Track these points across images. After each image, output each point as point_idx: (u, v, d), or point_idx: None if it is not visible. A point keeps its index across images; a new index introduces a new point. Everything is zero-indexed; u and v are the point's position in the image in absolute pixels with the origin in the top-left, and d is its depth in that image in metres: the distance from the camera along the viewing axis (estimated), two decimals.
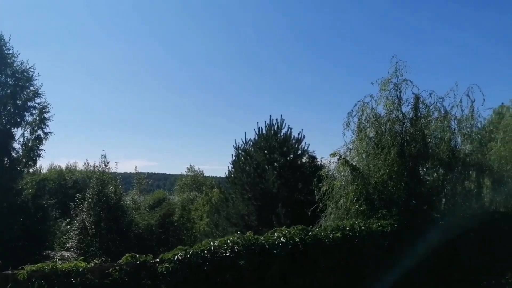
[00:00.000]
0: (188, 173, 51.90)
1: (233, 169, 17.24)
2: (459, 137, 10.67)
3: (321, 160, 16.21)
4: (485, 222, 9.04)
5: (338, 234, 7.97)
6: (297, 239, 7.52)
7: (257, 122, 17.24)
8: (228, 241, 7.08)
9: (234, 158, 17.32)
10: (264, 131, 17.19)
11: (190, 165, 52.61)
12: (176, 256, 6.52)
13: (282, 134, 17.14)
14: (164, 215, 22.44)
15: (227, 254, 6.83)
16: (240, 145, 17.34)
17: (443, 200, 10.68)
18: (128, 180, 34.72)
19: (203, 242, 7.14)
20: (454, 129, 10.69)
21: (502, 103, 13.94)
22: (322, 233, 7.96)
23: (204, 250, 6.79)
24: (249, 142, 17.23)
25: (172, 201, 30.37)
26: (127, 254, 6.27)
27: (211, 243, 6.97)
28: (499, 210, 10.03)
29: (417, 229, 8.63)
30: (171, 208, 23.85)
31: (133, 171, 35.52)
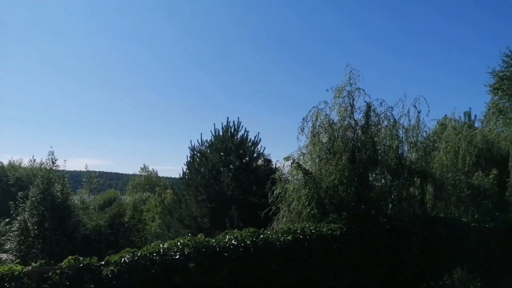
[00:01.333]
0: (141, 173, 50.57)
1: (187, 170, 16.99)
2: (406, 146, 11.19)
3: (276, 164, 16.38)
4: (426, 226, 9.51)
5: (289, 237, 8.07)
6: (248, 242, 7.52)
7: (214, 124, 17.16)
8: (178, 243, 6.95)
9: (189, 159, 17.08)
10: (220, 133, 17.12)
11: (144, 165, 51.31)
12: (123, 259, 6.29)
13: (238, 136, 17.15)
14: (114, 216, 21.71)
15: (177, 257, 6.70)
16: (195, 146, 17.15)
17: (390, 205, 11.12)
18: (78, 178, 33.28)
19: (152, 244, 6.96)
20: (402, 137, 11.20)
21: (446, 115, 14.83)
22: (274, 236, 8.02)
23: (153, 252, 6.62)
24: (205, 143, 17.09)
25: (124, 201, 29.45)
26: (69, 257, 5.96)
27: (161, 245, 6.81)
28: (440, 216, 10.59)
29: (365, 233, 8.92)
30: (121, 209, 23.12)
31: (83, 169, 34.05)
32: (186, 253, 6.84)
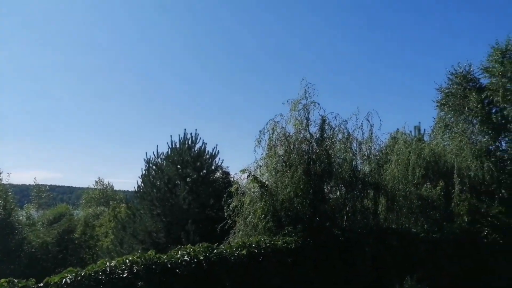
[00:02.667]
0: (96, 187, 48.60)
1: (142, 184, 16.46)
2: (360, 158, 11.47)
3: (233, 176, 16.26)
4: (379, 238, 9.73)
5: (244, 252, 7.95)
6: (201, 257, 7.32)
7: (171, 136, 16.81)
8: (127, 260, 6.62)
9: (144, 172, 16.57)
10: (177, 145, 16.78)
11: (99, 178, 49.36)
12: (64, 280, 5.88)
13: (196, 148, 16.89)
14: (63, 232, 20.57)
15: (125, 275, 6.36)
16: (151, 159, 16.68)
17: (345, 217, 11.30)
18: (26, 192, 31.37)
19: (98, 262, 6.58)
20: (356, 150, 11.48)
21: (397, 129, 15.40)
22: (228, 251, 7.86)
23: (99, 271, 6.25)
24: (161, 155, 16.67)
25: (76, 216, 28.02)
26: (2, 280, 5.48)
27: (107, 263, 6.45)
28: (391, 227, 10.88)
29: (320, 246, 8.96)
30: (72, 224, 21.94)
31: (32, 182, 32.16)
32: (135, 270, 6.52)
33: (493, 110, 18.23)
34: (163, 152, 16.69)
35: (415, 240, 10.13)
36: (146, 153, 16.69)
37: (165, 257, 7.07)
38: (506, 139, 17.68)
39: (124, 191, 45.54)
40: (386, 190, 11.24)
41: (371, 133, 11.43)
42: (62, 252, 19.97)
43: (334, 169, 10.93)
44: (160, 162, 16.73)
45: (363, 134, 11.41)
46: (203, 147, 16.89)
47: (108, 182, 49.53)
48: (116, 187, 49.72)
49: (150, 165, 16.57)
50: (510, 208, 14.97)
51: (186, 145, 16.64)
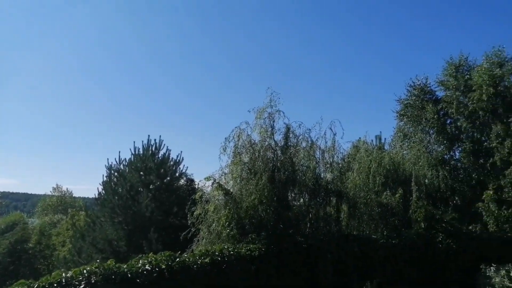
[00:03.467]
0: (53, 193, 46.54)
1: (103, 191, 15.98)
2: (323, 166, 11.70)
3: (198, 184, 16.11)
4: (341, 244, 9.93)
5: (207, 260, 7.88)
6: (163, 266, 7.18)
7: (134, 142, 16.48)
8: (84, 271, 6.39)
9: (105, 178, 16.11)
10: (141, 151, 16.45)
11: (57, 185, 47.36)
12: None
13: (160, 155, 16.64)
14: (16, 242, 19.48)
15: (82, 287, 6.13)
16: (113, 165, 16.25)
17: (308, 224, 11.45)
18: None
19: (53, 273, 6.30)
20: (319, 158, 11.70)
21: (360, 138, 15.87)
22: (191, 259, 7.77)
23: (53, 283, 5.99)
24: (124, 162, 16.27)
25: (30, 225, 26.67)
26: None
27: (63, 274, 6.19)
28: (353, 233, 11.14)
29: (283, 253, 9.03)
30: (26, 233, 20.86)
31: None
32: (93, 281, 6.30)
33: (448, 121, 19.20)
34: (125, 159, 16.32)
35: (375, 245, 10.40)
36: (107, 159, 16.28)
37: (125, 266, 6.87)
38: (460, 149, 18.64)
39: (83, 198, 43.93)
40: (348, 197, 11.51)
41: (334, 141, 11.71)
42: (14, 263, 18.92)
43: (298, 177, 11.08)
44: (122, 168, 16.33)
45: (326, 142, 11.67)
46: (167, 153, 16.68)
47: (67, 188, 47.70)
48: (75, 194, 47.96)
49: (112, 171, 16.14)
50: (463, 215, 15.78)
51: (150, 152, 16.35)
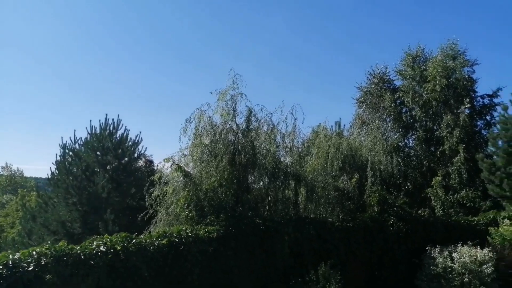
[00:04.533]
0: (3, 172, 44.25)
1: (57, 170, 15.36)
2: (283, 150, 11.86)
3: (157, 165, 15.85)
4: (298, 226, 10.16)
5: (164, 241, 7.81)
6: (118, 248, 7.05)
7: (90, 121, 15.88)
8: (34, 252, 6.15)
9: (59, 158, 15.46)
10: (97, 131, 15.90)
11: (6, 163, 44.99)
12: None
13: (118, 135, 16.18)
14: None
15: (30, 268, 5.89)
16: (67, 144, 15.61)
17: (267, 206, 11.63)
18: None
19: None
20: (279, 142, 11.83)
21: (320, 123, 16.15)
22: (147, 241, 7.67)
23: None
24: (79, 141, 15.67)
25: None
26: None
27: (10, 256, 5.92)
28: (310, 216, 11.42)
29: (241, 234, 9.12)
30: None
31: None
32: (42, 263, 6.07)
33: (404, 110, 20.00)
34: (81, 138, 15.74)
35: (331, 228, 10.73)
36: (61, 138, 15.59)
37: (78, 248, 6.68)
38: (413, 137, 19.53)
39: (35, 178, 42.08)
40: (307, 181, 11.73)
41: (295, 126, 11.84)
42: None
43: (258, 160, 11.16)
44: (77, 148, 15.75)
45: (287, 127, 11.78)
46: (125, 133, 16.24)
47: (18, 168, 45.47)
48: (26, 174, 45.87)
49: (66, 151, 15.52)
50: (413, 199, 16.64)
51: (107, 131, 15.85)
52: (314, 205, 12.02)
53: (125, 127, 16.24)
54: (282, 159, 11.92)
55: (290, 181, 11.80)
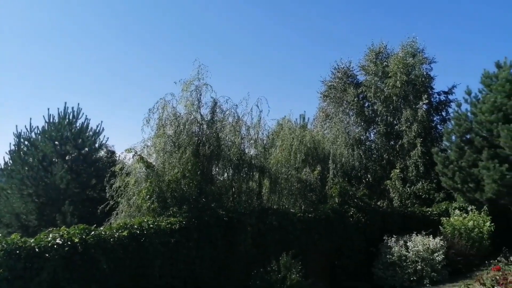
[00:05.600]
0: None
1: (10, 160, 14.66)
2: (247, 142, 11.91)
3: (119, 156, 15.48)
4: (260, 217, 10.27)
5: (125, 233, 7.69)
6: (76, 240, 6.87)
7: (48, 109, 15.22)
8: None
9: (13, 147, 14.75)
10: (56, 119, 15.28)
11: None
12: None
13: (77, 124, 15.63)
14: None
15: None
16: (22, 133, 14.90)
17: (231, 198, 11.67)
18: None
19: None
20: (244, 134, 11.86)
21: (285, 116, 16.33)
22: (107, 232, 7.52)
23: None
24: (35, 130, 15.00)
25: None
26: None
27: None
28: (273, 207, 11.58)
29: (204, 226, 9.11)
30: None
31: None
32: None
33: (366, 105, 20.54)
34: (37, 126, 15.05)
35: (293, 219, 10.93)
36: (16, 126, 14.85)
37: (32, 240, 6.45)
38: (374, 131, 20.13)
39: None
40: (270, 173, 11.87)
41: (260, 118, 11.89)
42: None
43: (222, 152, 11.15)
44: (34, 137, 15.07)
45: (252, 119, 11.83)
46: (86, 123, 15.72)
47: None
48: None
49: (21, 140, 14.82)
50: (373, 191, 17.24)
51: (66, 120, 15.26)
52: (277, 196, 12.19)
53: (86, 116, 15.73)
54: (246, 151, 11.98)
55: (254, 173, 11.88)
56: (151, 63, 48.41)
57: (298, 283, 8.82)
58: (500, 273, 5.66)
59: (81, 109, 15.61)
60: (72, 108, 15.47)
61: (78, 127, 15.45)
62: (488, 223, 13.14)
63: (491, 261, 6.66)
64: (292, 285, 8.74)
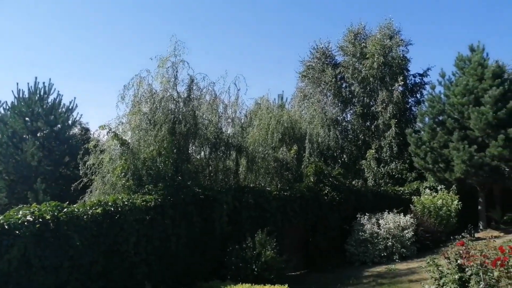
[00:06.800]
0: None
1: None
2: (225, 121, 11.86)
3: (94, 133, 15.17)
4: (237, 195, 10.33)
5: (99, 210, 7.61)
6: (48, 217, 6.76)
7: (17, 83, 14.65)
8: None
9: None
10: (26, 95, 14.76)
11: None
12: None
13: (49, 100, 15.17)
14: None
15: None
16: None
17: (207, 176, 11.68)
18: None
19: None
20: (221, 112, 11.81)
21: (263, 96, 16.28)
22: (80, 210, 7.42)
23: None
24: (4, 105, 14.48)
25: None
26: None
27: None
28: (249, 185, 11.67)
29: (180, 203, 9.12)
30: None
31: None
32: None
33: (344, 85, 20.70)
34: (6, 102, 14.52)
35: (269, 197, 11.06)
36: None
37: (1, 218, 6.30)
38: (351, 111, 20.39)
39: None
40: (248, 152, 11.90)
41: (238, 97, 11.87)
42: None
43: (199, 130, 11.08)
44: (3, 112, 14.54)
45: (229, 97, 11.78)
46: (58, 99, 15.28)
47: None
48: None
49: None
50: (348, 171, 17.58)
51: (37, 96, 14.77)
52: (254, 175, 12.28)
53: (58, 92, 15.28)
54: (224, 129, 11.95)
55: (231, 152, 11.89)
56: (126, 38, 47.08)
57: (272, 259, 9.00)
58: (464, 247, 5.93)
59: (53, 84, 15.16)
60: (44, 83, 15.00)
61: (50, 103, 15.00)
62: (455, 202, 13.68)
63: (457, 237, 6.95)
64: (267, 261, 8.91)
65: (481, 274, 5.44)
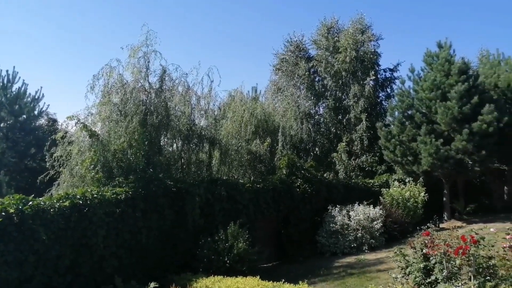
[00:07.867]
0: None
1: None
2: (198, 113, 11.75)
3: (62, 124, 14.69)
4: (209, 188, 10.28)
5: (66, 203, 7.41)
6: (11, 211, 6.53)
7: None
8: None
9: None
10: None
11: None
12: None
13: (14, 89, 14.55)
14: None
15: None
16: None
17: (180, 169, 11.56)
18: None
19: None
20: (194, 104, 11.69)
21: (236, 88, 16.21)
22: (47, 203, 7.20)
23: None
24: None
25: None
26: None
27: None
28: (222, 178, 11.64)
29: (151, 196, 8.99)
30: None
31: None
32: None
33: (317, 79, 20.92)
34: None
35: (241, 189, 11.06)
36: None
37: None
38: (324, 105, 20.64)
39: None
40: (221, 144, 11.86)
41: (211, 89, 11.79)
42: None
43: (172, 122, 10.94)
44: None
45: (203, 89, 11.68)
46: (23, 88, 14.69)
47: None
48: None
49: None
50: (320, 163, 17.84)
51: (0, 84, 14.12)
52: (227, 167, 12.26)
53: (23, 81, 14.66)
54: (197, 121, 11.85)
55: (204, 144, 11.83)
56: (96, 27, 45.58)
57: (244, 251, 9.04)
58: (429, 237, 6.15)
59: (17, 72, 14.54)
60: (7, 71, 14.39)
61: (14, 93, 14.40)
62: (422, 194, 14.17)
63: (423, 228, 7.20)
64: (239, 253, 8.95)
65: (444, 262, 5.66)
